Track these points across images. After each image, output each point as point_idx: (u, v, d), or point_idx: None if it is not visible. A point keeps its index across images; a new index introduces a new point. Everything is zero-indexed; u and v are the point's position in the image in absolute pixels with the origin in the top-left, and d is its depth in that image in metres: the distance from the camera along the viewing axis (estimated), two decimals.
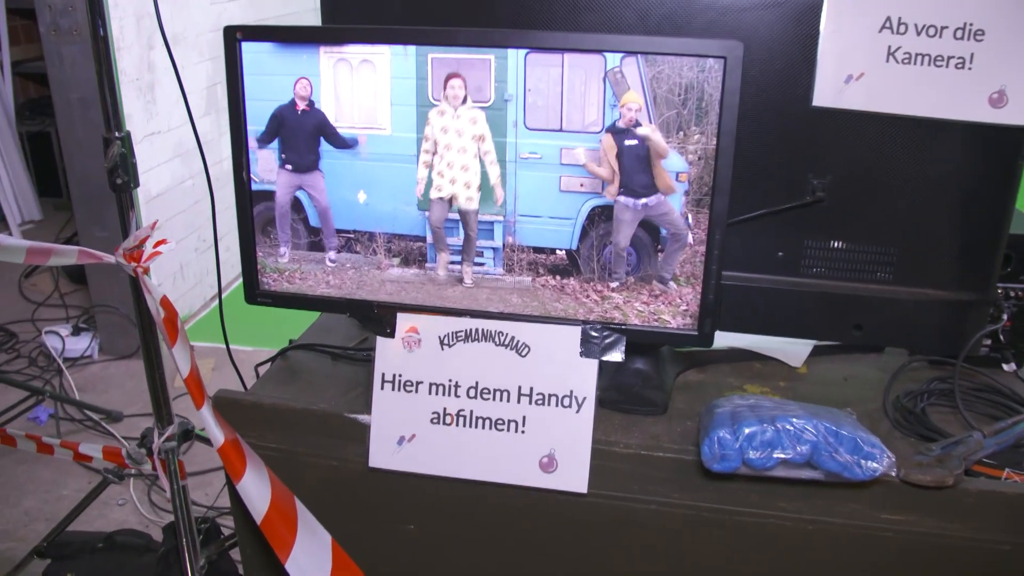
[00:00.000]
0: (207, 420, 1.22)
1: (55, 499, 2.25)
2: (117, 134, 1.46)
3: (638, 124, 1.04)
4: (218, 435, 1.21)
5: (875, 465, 0.97)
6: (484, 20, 1.21)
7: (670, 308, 1.10)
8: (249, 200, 1.18)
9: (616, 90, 1.03)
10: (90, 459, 1.76)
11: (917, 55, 1.16)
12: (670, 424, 1.19)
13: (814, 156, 1.20)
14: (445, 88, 1.07)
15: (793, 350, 1.36)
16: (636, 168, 1.05)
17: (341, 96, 1.11)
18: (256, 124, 1.14)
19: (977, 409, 1.24)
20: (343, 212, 1.15)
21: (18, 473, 2.35)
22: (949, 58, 1.15)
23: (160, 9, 1.42)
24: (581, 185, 1.07)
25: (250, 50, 1.11)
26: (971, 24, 1.14)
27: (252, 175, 1.17)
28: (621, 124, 1.04)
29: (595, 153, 1.06)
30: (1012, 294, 1.34)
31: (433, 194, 1.12)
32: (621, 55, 1.02)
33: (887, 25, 1.15)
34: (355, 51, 1.09)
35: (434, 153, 1.10)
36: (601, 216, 1.08)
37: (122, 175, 1.47)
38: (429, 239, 1.14)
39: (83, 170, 2.66)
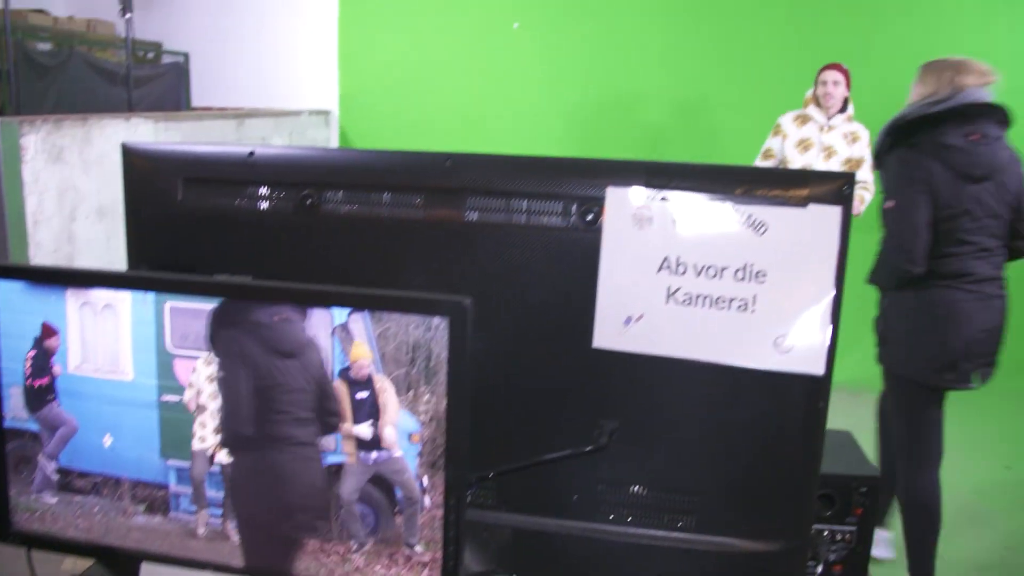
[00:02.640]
0: None
1: None
2: None
3: (371, 377, 0.98)
4: None
5: None
6: (290, 274, 1.18)
7: (411, 574, 1.02)
8: (2, 439, 1.14)
9: (344, 347, 0.99)
10: None
11: (698, 296, 1.10)
12: None
13: (599, 399, 1.14)
14: None
15: None
16: (367, 421, 0.99)
17: (87, 339, 1.08)
18: (10, 362, 1.11)
19: None
20: (89, 455, 1.10)
21: None
22: (731, 300, 1.10)
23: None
24: None
25: (2, 288, 1.10)
26: (752, 265, 1.09)
27: (3, 412, 1.13)
28: (353, 375, 0.99)
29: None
30: (839, 537, 1.24)
31: (196, 445, 1.07)
32: (348, 310, 0.98)
33: (666, 265, 1.11)
34: (99, 295, 1.06)
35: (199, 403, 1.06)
36: (337, 474, 1.02)
37: None
38: (172, 488, 1.08)
39: None
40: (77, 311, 1.07)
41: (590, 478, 1.16)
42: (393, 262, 1.17)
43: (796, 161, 4.41)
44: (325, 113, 6.00)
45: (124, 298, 1.05)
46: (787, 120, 4.50)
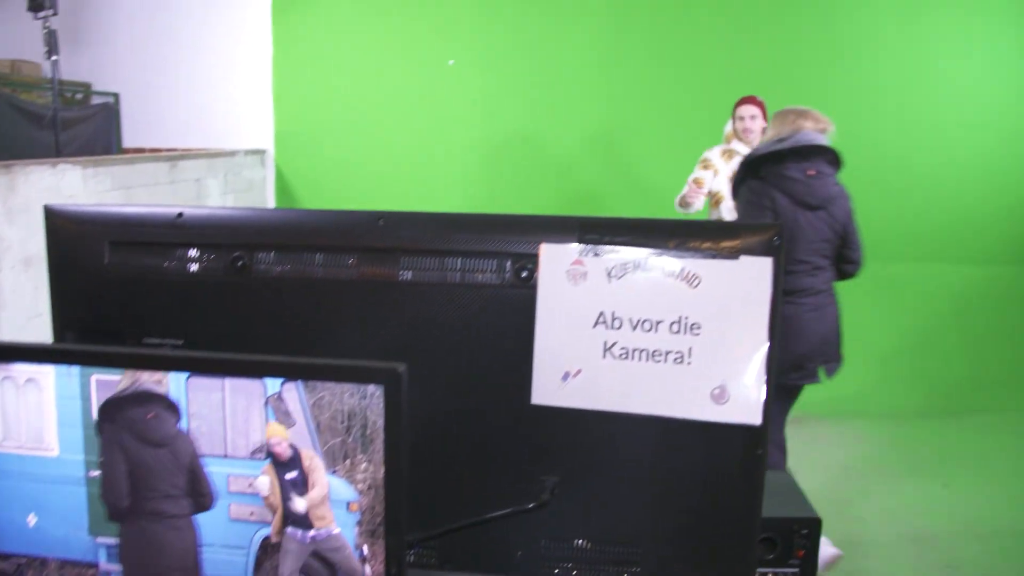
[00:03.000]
0: None
1: None
2: None
3: (297, 455, 0.97)
4: None
5: None
6: (222, 337, 1.17)
7: None
8: None
9: (278, 416, 0.97)
10: None
11: (634, 350, 1.11)
12: None
13: (539, 455, 1.14)
14: None
15: None
16: (299, 500, 0.97)
17: (8, 415, 1.04)
18: None
19: None
20: (12, 536, 1.06)
21: None
22: (667, 353, 1.11)
23: None
24: (251, 514, 0.99)
25: None
26: (686, 318, 1.10)
27: None
28: (276, 457, 0.97)
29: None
30: None
31: None
32: (281, 380, 0.96)
33: (601, 320, 1.11)
34: (21, 369, 1.02)
35: None
36: (275, 547, 0.99)
37: None
38: (102, 566, 1.04)
39: None
40: None
41: (533, 534, 1.15)
42: (327, 322, 1.16)
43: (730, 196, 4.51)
44: (261, 152, 5.94)
45: (47, 372, 1.02)
46: (715, 156, 4.61)
